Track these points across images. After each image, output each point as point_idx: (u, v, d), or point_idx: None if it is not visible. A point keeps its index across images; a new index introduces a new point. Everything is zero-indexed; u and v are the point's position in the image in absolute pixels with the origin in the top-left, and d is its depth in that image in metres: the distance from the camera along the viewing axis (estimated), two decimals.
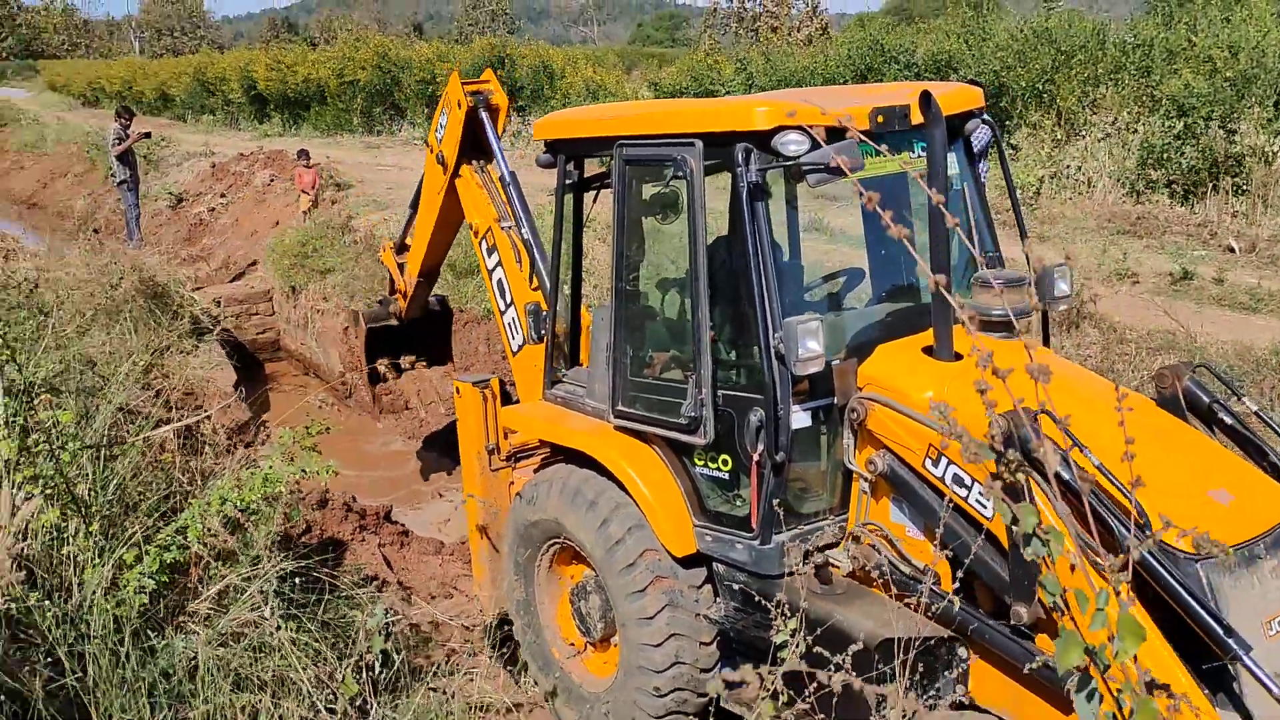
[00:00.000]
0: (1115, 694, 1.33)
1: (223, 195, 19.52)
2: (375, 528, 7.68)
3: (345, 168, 19.12)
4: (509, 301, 6.37)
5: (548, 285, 6.04)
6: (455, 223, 7.27)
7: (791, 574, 4.47)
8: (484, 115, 6.53)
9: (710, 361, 4.49)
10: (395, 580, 6.78)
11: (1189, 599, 3.38)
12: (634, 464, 4.88)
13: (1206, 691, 3.41)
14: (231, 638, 3.83)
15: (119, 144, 15.23)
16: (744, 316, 4.59)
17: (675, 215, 4.97)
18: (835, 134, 4.23)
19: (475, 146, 6.70)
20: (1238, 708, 3.44)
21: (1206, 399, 4.40)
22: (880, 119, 4.37)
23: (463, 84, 6.58)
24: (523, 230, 6.38)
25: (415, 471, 9.48)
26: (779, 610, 3.07)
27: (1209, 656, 3.43)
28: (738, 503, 4.65)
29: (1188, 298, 9.67)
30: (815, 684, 2.67)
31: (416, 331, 8.44)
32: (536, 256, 6.26)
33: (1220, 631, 3.32)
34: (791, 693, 2.85)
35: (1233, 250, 11.48)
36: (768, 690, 2.52)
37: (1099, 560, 3.58)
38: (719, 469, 4.68)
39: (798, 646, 2.68)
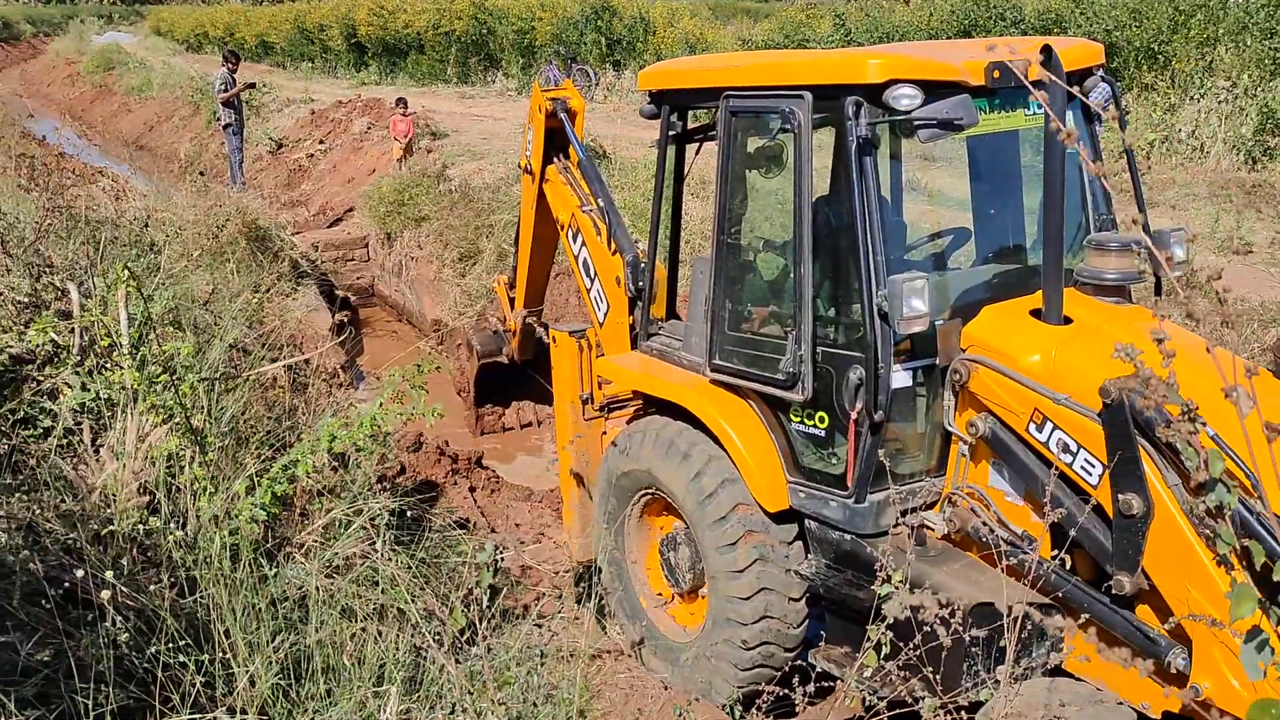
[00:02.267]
0: None
1: (321, 142, 19.87)
2: (467, 472, 7.83)
3: (440, 117, 19.28)
4: (593, 276, 6.49)
5: (625, 248, 6.14)
6: (551, 242, 7.62)
7: (886, 533, 4.46)
8: (563, 116, 6.94)
9: (811, 317, 4.46)
10: (486, 524, 6.91)
11: None
12: (729, 418, 4.88)
13: None
14: (336, 570, 3.97)
15: (226, 89, 15.54)
16: (845, 273, 4.54)
17: (779, 169, 4.91)
18: (944, 89, 4.16)
19: (558, 148, 7.16)
20: None
21: None
22: (997, 74, 4.26)
23: (543, 91, 7.09)
24: (599, 201, 6.55)
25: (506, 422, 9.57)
26: (882, 567, 3.06)
27: None
28: (833, 460, 4.63)
29: None
30: (921, 636, 2.68)
31: (527, 365, 8.66)
32: (614, 222, 6.34)
33: None
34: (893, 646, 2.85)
35: None
36: (870, 642, 2.53)
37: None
38: (815, 426, 4.66)
39: (903, 599, 2.67)
